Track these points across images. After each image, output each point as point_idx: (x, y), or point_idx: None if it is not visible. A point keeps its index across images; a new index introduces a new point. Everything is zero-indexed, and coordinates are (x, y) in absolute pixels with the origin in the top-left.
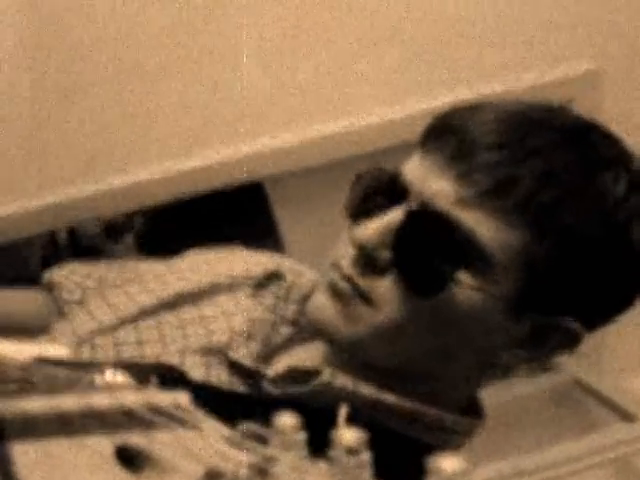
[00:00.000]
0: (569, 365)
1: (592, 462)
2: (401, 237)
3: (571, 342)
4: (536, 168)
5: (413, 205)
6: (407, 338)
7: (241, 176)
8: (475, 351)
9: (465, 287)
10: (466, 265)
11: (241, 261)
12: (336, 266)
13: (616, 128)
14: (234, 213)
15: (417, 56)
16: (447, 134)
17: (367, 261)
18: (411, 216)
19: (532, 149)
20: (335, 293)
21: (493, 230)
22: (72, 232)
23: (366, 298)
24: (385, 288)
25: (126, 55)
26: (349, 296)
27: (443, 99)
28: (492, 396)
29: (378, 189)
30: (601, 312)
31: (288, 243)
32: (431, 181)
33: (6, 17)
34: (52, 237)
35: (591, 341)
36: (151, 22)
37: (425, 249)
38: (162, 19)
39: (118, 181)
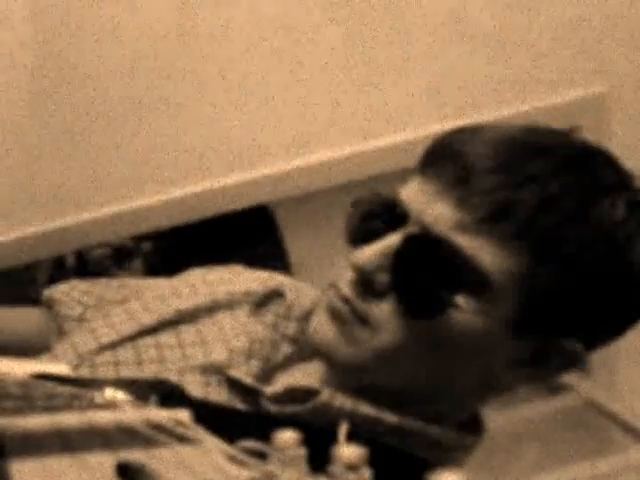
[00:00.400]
0: (583, 386)
1: None
2: (400, 261)
3: (572, 362)
4: (534, 194)
5: (412, 229)
6: (406, 360)
7: (249, 200)
8: (475, 372)
9: (464, 310)
10: (465, 289)
11: (241, 279)
12: (334, 287)
13: (625, 151)
14: (242, 237)
15: (421, 82)
16: (445, 159)
17: (365, 284)
18: (410, 240)
19: (530, 174)
20: (333, 315)
21: (492, 255)
22: (80, 256)
23: (364, 320)
24: (383, 311)
25: (132, 82)
26: (347, 318)
27: (448, 124)
28: (505, 417)
29: (376, 214)
30: (602, 333)
31: (295, 266)
32: (430, 206)
33: (12, 52)
34: (59, 261)
35: (605, 363)
36: (155, 52)
37: (424, 273)
38: (165, 48)
39: (126, 205)
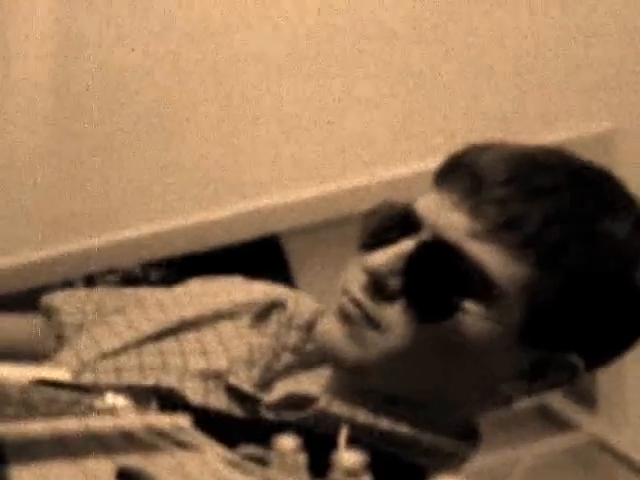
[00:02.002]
0: (588, 424)
1: None
2: (412, 265)
3: (571, 377)
4: (544, 207)
5: (425, 236)
6: (412, 363)
7: (258, 229)
8: (476, 379)
9: (472, 316)
10: (474, 295)
11: (242, 290)
12: (345, 291)
13: (631, 187)
14: (250, 266)
15: (429, 113)
16: (459, 171)
17: (377, 287)
18: (423, 246)
19: (540, 188)
20: (344, 317)
21: (501, 263)
22: (88, 282)
23: (374, 323)
24: (393, 314)
25: (142, 110)
26: (358, 320)
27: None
28: (513, 455)
29: (391, 221)
30: (604, 349)
31: None
32: (444, 214)
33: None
34: (68, 286)
35: (610, 399)
36: (171, 78)
37: (435, 278)
38: (181, 75)
39: (135, 232)
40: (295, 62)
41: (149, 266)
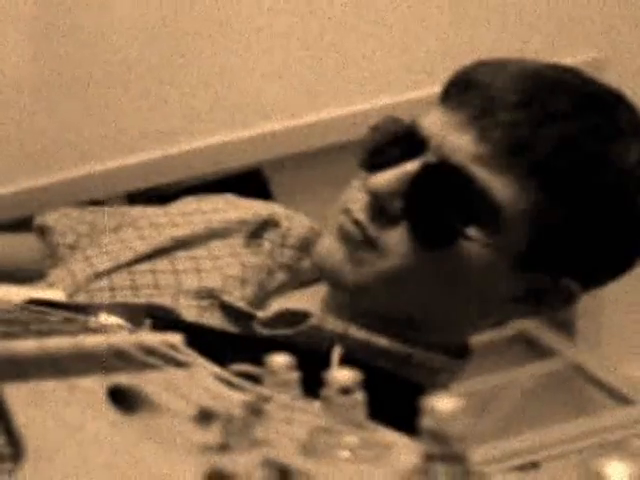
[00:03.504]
0: (568, 351)
1: (589, 444)
2: (416, 187)
3: (567, 301)
4: (554, 133)
5: (430, 158)
6: (410, 287)
7: (244, 159)
8: (473, 304)
9: (474, 242)
10: (477, 221)
11: (235, 208)
12: (346, 210)
13: None
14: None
15: (417, 44)
16: (470, 90)
17: (379, 209)
18: (428, 168)
19: (552, 113)
20: (343, 237)
21: (506, 187)
22: None
23: (373, 244)
24: (394, 237)
25: (127, 44)
26: (357, 241)
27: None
28: (491, 381)
29: (394, 140)
30: (601, 274)
31: None
32: (451, 136)
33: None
34: None
35: (591, 327)
36: (156, 10)
37: (438, 202)
38: (166, 7)
39: (121, 162)
40: None
41: (132, 199)
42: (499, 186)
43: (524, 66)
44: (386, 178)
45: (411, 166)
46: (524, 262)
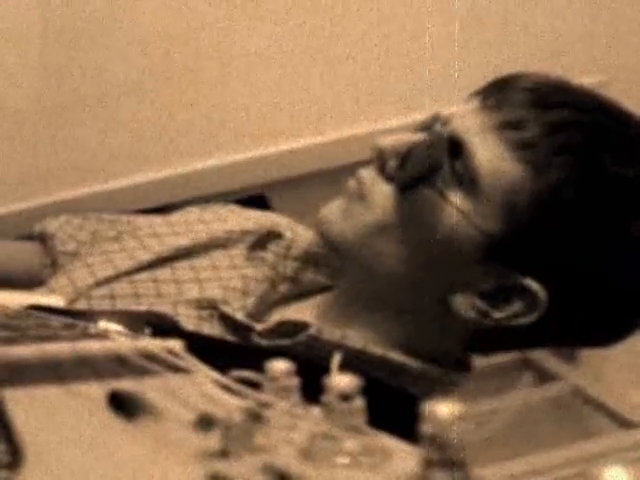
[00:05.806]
0: (570, 375)
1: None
2: (412, 149)
3: (531, 307)
4: (559, 117)
5: (436, 128)
6: (389, 242)
7: (248, 180)
8: (447, 277)
9: (453, 206)
10: (458, 185)
11: (237, 218)
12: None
13: None
14: None
15: (420, 66)
16: (492, 87)
17: (380, 167)
18: (431, 134)
19: (564, 101)
20: (345, 192)
21: (493, 156)
22: None
23: (363, 196)
24: (383, 191)
25: (130, 67)
26: (352, 194)
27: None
28: (493, 404)
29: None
30: (570, 284)
31: None
32: (464, 115)
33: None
34: None
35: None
36: (163, 33)
37: (426, 163)
38: (173, 30)
39: (125, 183)
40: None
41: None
42: (487, 152)
43: (544, 75)
44: (392, 138)
45: (419, 136)
46: (495, 250)
